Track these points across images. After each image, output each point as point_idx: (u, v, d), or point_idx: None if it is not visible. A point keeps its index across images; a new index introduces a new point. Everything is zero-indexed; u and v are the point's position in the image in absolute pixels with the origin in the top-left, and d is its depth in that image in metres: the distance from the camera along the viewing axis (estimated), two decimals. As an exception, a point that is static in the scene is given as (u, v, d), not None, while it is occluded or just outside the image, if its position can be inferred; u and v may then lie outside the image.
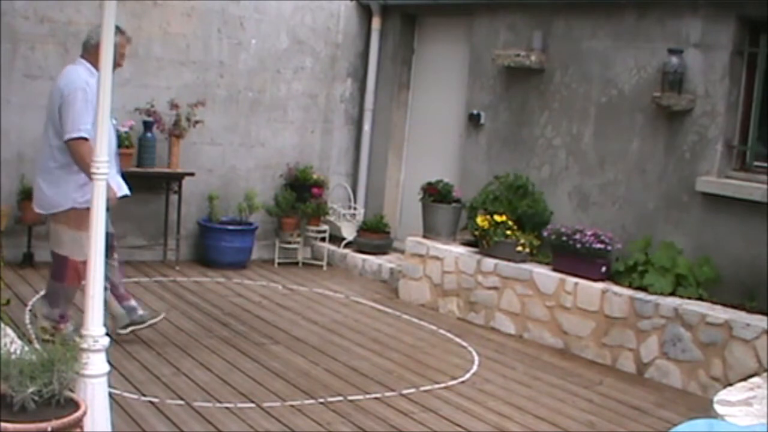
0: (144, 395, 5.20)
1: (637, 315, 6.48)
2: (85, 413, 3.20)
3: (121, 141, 7.58)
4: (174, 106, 8.40)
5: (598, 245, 6.86)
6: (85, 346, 3.68)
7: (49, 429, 3.01)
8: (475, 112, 8.51)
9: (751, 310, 6.19)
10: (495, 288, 7.38)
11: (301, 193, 9.13)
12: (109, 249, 4.62)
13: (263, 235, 9.11)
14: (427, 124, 9.39)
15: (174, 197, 8.54)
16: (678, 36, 6.98)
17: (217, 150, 8.98)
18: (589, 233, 6.95)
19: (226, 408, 5.14)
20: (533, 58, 7.81)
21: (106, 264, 4.24)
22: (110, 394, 3.87)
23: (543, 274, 7.10)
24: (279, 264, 9.06)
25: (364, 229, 9.21)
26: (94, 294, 3.77)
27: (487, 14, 8.48)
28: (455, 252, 7.71)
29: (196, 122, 8.49)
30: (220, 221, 8.75)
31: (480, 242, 7.54)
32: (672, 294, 6.49)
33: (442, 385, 5.92)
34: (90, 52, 5.67)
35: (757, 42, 6.72)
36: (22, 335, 4.58)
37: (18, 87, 7.83)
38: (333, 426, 5.03)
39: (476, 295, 7.52)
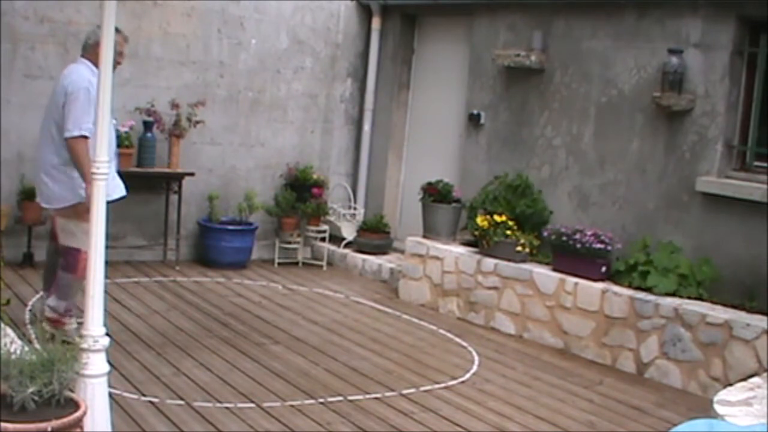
0: (144, 395, 5.20)
1: (637, 315, 6.48)
2: (85, 413, 3.20)
3: (121, 141, 7.58)
4: (174, 106, 8.39)
5: (598, 245, 6.86)
6: (85, 346, 3.68)
7: (49, 429, 3.01)
8: (475, 112, 8.51)
9: (751, 310, 6.19)
10: (495, 288, 7.38)
11: (301, 193, 9.13)
12: None
13: (263, 235, 9.11)
14: (427, 124, 9.39)
15: (174, 197, 8.53)
16: (678, 36, 6.98)
17: (217, 150, 8.98)
18: (589, 233, 6.95)
19: (226, 408, 5.14)
20: (533, 58, 7.81)
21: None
22: (110, 394, 3.87)
23: (543, 274, 7.10)
24: (279, 264, 9.06)
25: (364, 229, 9.21)
26: (94, 294, 3.77)
27: (487, 14, 8.48)
28: (455, 252, 7.71)
29: (197, 122, 8.49)
30: (220, 221, 8.75)
31: (480, 242, 7.54)
32: (672, 294, 6.49)
33: (442, 385, 5.92)
34: (89, 52, 5.72)
35: (757, 42, 6.72)
36: (22, 335, 4.58)
37: (18, 87, 7.82)
38: (333, 426, 5.03)
39: (476, 295, 7.52)
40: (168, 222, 8.56)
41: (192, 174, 8.56)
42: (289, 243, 9.16)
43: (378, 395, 5.59)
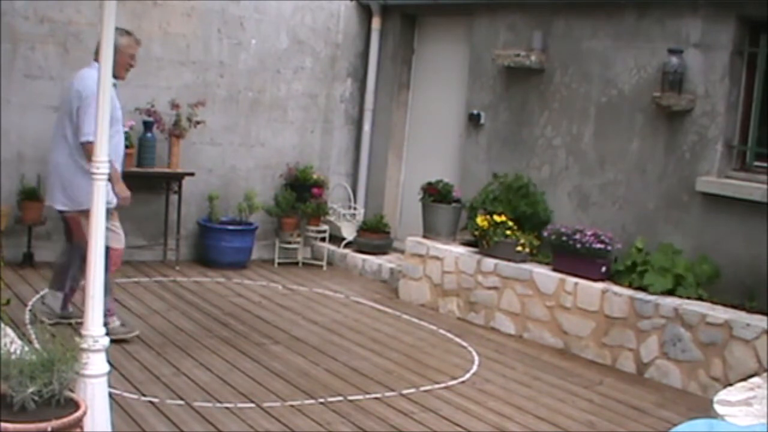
0: (144, 395, 5.20)
1: (637, 315, 6.48)
2: (85, 413, 3.20)
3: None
4: (174, 106, 8.39)
5: (598, 245, 6.86)
6: (85, 346, 3.68)
7: (49, 429, 3.01)
8: (475, 112, 8.51)
9: (751, 310, 6.19)
10: (495, 288, 7.38)
11: (301, 193, 9.13)
12: None
13: (263, 235, 9.11)
14: (427, 124, 9.39)
15: (174, 197, 8.53)
16: (678, 36, 6.98)
17: (217, 150, 8.98)
18: (589, 233, 6.95)
19: (226, 408, 5.14)
20: (533, 58, 7.81)
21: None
22: (110, 394, 3.87)
23: (543, 274, 7.10)
24: (279, 264, 9.06)
25: (364, 229, 9.21)
26: (94, 294, 3.78)
27: (487, 14, 8.48)
28: (455, 252, 7.71)
29: (197, 122, 8.49)
30: (220, 221, 8.75)
31: (480, 242, 7.54)
32: (672, 294, 6.49)
33: (442, 385, 5.92)
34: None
35: (757, 42, 6.72)
36: (22, 335, 4.57)
37: (18, 87, 7.83)
38: (333, 426, 5.03)
39: (476, 295, 7.52)
40: (168, 222, 8.56)
41: (192, 174, 8.56)
42: (289, 243, 9.16)
43: (378, 395, 5.59)
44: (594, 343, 6.74)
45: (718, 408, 4.67)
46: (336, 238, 9.31)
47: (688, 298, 6.44)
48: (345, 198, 9.71)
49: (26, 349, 3.33)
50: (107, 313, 5.82)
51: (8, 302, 5.49)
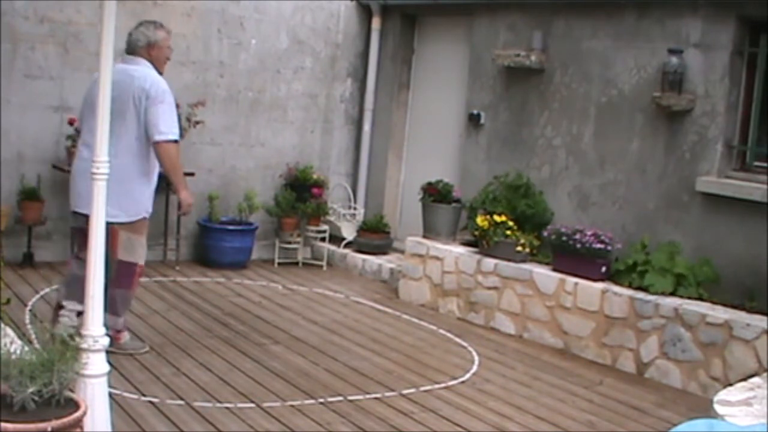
0: (144, 395, 5.20)
1: (637, 315, 6.48)
2: (85, 413, 3.20)
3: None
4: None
5: (598, 245, 6.86)
6: (85, 346, 3.68)
7: (49, 429, 3.01)
8: (475, 112, 8.51)
9: (751, 310, 6.18)
10: (495, 288, 7.38)
11: (301, 193, 9.13)
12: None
13: (263, 235, 9.11)
14: (427, 124, 9.39)
15: (174, 197, 8.51)
16: (678, 36, 6.98)
17: (217, 150, 8.98)
18: (589, 233, 6.95)
19: (226, 408, 5.14)
20: (533, 58, 7.81)
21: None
22: (110, 394, 3.87)
23: (543, 274, 7.10)
24: (279, 264, 9.05)
25: (364, 229, 9.20)
26: (94, 294, 3.77)
27: (487, 14, 8.48)
28: (455, 252, 7.71)
29: (197, 122, 8.49)
30: (220, 221, 8.75)
31: (480, 242, 7.54)
32: (672, 294, 6.49)
33: (442, 385, 5.92)
34: (141, 54, 5.70)
35: (757, 42, 6.72)
36: (22, 335, 4.58)
37: (18, 87, 7.82)
38: (333, 426, 5.03)
39: (476, 295, 7.52)
40: (168, 222, 8.55)
41: (192, 174, 8.51)
42: (289, 243, 9.16)
43: (378, 395, 5.59)
44: (594, 343, 6.74)
45: (718, 408, 4.67)
46: (336, 238, 9.31)
47: (689, 298, 6.44)
48: (345, 198, 9.71)
49: (26, 349, 3.33)
50: (122, 329, 5.84)
51: (8, 302, 5.49)
